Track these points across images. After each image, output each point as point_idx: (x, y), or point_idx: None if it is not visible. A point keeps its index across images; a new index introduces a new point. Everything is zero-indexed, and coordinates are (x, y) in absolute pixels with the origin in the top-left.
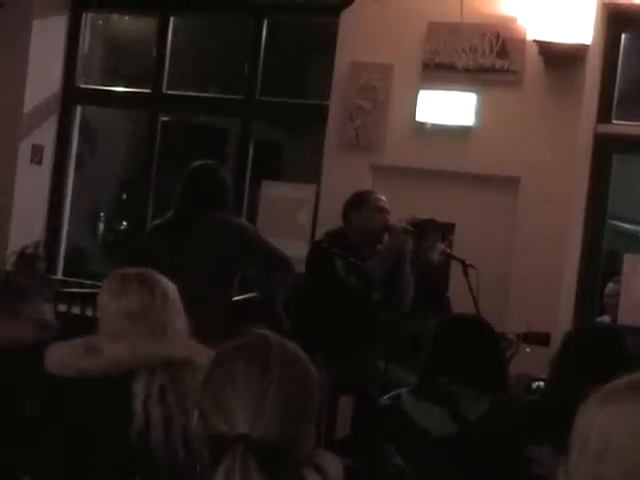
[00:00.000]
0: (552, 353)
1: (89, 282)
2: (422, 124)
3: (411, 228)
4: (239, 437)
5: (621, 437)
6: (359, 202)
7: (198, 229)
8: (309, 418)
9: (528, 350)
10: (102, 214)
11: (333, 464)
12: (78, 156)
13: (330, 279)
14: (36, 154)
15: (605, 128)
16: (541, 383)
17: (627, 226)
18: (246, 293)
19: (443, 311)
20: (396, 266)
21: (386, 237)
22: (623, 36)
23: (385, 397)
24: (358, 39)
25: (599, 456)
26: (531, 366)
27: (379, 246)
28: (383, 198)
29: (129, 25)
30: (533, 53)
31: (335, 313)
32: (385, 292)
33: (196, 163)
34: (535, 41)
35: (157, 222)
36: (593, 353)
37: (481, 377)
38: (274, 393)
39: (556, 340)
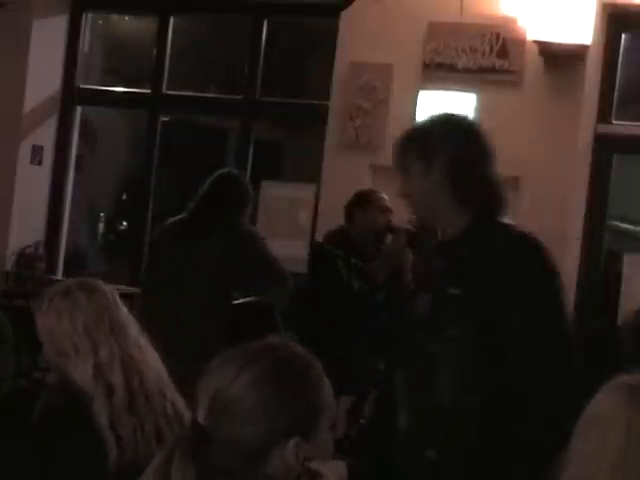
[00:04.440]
0: None
1: None
2: None
3: (413, 229)
4: (192, 423)
5: (616, 433)
6: (362, 202)
7: (207, 232)
8: (284, 429)
9: None
10: (102, 214)
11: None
12: (78, 156)
13: (332, 281)
14: (36, 154)
15: (605, 128)
16: None
17: (627, 226)
18: (247, 297)
19: None
20: (398, 266)
21: (388, 237)
22: (623, 36)
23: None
24: (358, 39)
25: (597, 452)
26: None
27: (382, 247)
28: (386, 198)
29: (129, 25)
30: (533, 53)
31: (337, 314)
32: (388, 293)
33: (221, 170)
34: (535, 41)
35: (169, 222)
36: (595, 352)
37: None
38: (239, 390)
39: None
